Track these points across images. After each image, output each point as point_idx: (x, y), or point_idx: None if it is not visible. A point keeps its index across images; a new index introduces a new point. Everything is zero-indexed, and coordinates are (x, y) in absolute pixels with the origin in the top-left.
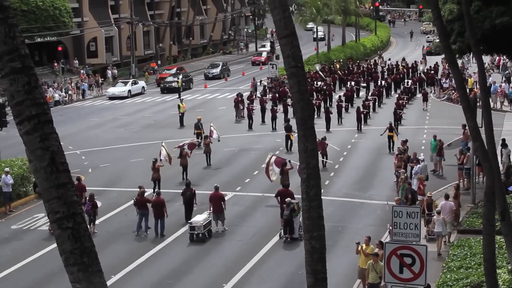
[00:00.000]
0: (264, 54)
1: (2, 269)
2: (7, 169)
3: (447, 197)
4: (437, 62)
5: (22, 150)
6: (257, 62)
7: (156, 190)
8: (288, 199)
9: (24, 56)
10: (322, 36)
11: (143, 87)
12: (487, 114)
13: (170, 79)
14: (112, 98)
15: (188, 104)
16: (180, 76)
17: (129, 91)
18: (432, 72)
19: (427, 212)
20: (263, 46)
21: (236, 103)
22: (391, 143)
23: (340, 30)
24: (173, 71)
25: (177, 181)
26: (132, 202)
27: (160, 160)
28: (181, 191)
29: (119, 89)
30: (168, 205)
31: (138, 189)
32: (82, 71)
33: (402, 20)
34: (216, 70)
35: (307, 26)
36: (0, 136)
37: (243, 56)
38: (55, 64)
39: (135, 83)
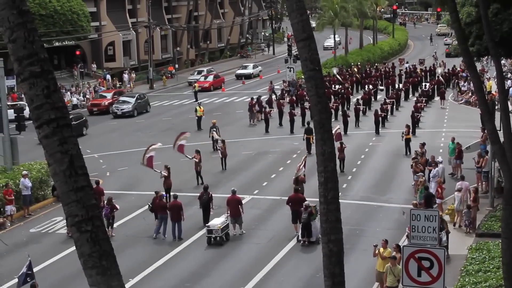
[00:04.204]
0: (210, 78)
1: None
2: (25, 172)
3: (463, 178)
4: (454, 65)
5: (40, 154)
6: (200, 87)
7: (172, 194)
8: (306, 202)
9: (43, 60)
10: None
11: None
12: (505, 117)
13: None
14: None
15: (205, 108)
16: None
17: None
18: (458, 70)
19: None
20: (200, 72)
21: (250, 107)
22: (408, 145)
23: (357, 34)
24: (110, 95)
25: (193, 185)
26: (147, 207)
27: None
28: (198, 194)
29: None
30: (185, 208)
31: (154, 194)
32: (101, 75)
33: (412, 23)
34: (128, 106)
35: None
36: (19, 140)
37: (260, 60)
38: (73, 68)
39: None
